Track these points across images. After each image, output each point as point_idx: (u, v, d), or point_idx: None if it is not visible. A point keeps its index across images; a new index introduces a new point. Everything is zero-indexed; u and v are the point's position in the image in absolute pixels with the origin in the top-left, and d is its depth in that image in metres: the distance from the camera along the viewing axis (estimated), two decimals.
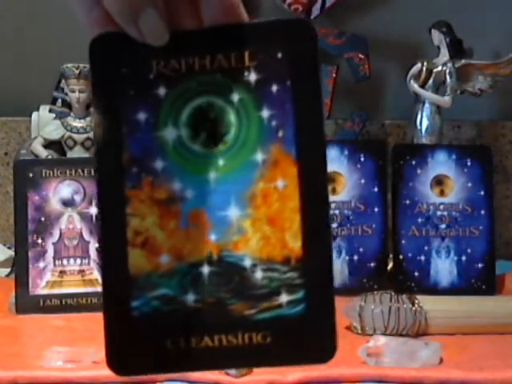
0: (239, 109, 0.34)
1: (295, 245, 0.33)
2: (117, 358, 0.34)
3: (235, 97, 0.33)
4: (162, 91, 0.34)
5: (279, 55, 0.33)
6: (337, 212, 1.04)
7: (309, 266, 0.33)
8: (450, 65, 1.13)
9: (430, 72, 1.13)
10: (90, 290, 0.94)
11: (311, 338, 0.33)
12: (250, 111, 0.33)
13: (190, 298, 0.33)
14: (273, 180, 0.33)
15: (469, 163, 1.03)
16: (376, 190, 1.04)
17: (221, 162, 0.33)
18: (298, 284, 0.33)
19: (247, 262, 0.33)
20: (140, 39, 0.33)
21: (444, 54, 1.14)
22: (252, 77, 0.33)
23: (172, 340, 0.33)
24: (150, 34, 0.33)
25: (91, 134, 1.09)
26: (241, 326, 0.33)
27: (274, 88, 0.33)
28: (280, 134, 0.33)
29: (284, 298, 0.33)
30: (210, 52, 0.34)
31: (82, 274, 0.95)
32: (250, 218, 0.33)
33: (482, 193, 1.03)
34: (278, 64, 0.33)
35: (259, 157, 0.33)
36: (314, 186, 0.33)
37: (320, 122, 0.33)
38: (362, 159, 1.04)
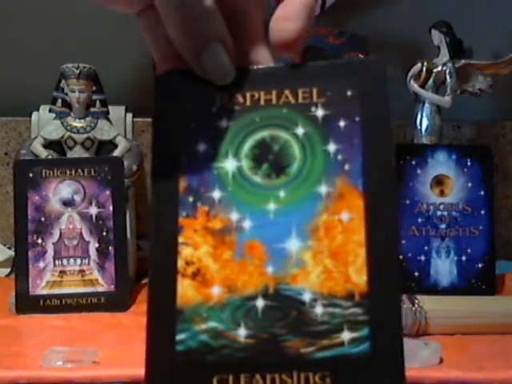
0: (304, 142, 0.33)
1: (359, 280, 0.31)
2: None
3: (300, 131, 0.33)
4: (224, 123, 0.34)
5: (348, 93, 0.33)
6: None
7: (374, 302, 0.31)
8: (450, 65, 1.13)
9: (430, 72, 1.13)
10: (89, 289, 0.94)
11: (376, 380, 0.30)
12: (315, 145, 0.33)
13: (242, 332, 0.31)
14: (337, 212, 0.32)
15: (469, 163, 1.03)
16: None
17: (282, 194, 0.33)
18: (363, 321, 0.31)
19: (306, 296, 0.31)
20: (203, 76, 0.33)
21: (444, 54, 1.14)
22: (319, 112, 0.33)
23: (219, 378, 0.31)
24: (214, 72, 0.33)
25: (91, 134, 1.09)
26: (297, 364, 0.31)
27: (342, 123, 0.33)
28: (346, 167, 0.32)
29: (346, 335, 0.31)
30: (276, 87, 0.34)
31: (82, 274, 0.95)
32: (311, 251, 0.32)
33: (482, 193, 1.03)
34: (347, 101, 0.33)
35: (323, 189, 0.32)
36: (381, 219, 0.31)
37: (389, 157, 0.32)
38: None
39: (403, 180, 1.03)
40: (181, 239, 0.33)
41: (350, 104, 0.33)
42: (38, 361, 0.71)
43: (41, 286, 0.94)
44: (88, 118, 1.10)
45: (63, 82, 1.08)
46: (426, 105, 1.13)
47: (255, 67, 0.34)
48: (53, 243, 0.95)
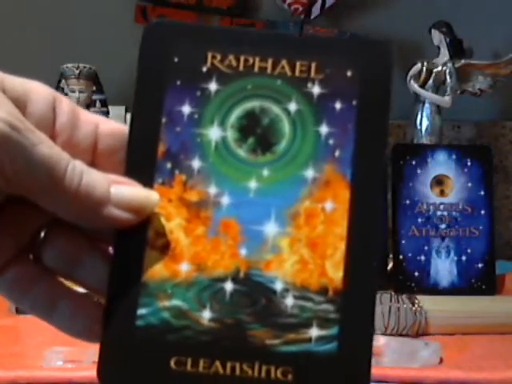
0: (295, 120, 0.31)
1: (335, 275, 0.30)
2: (109, 369, 0.30)
3: (293, 107, 0.31)
4: (212, 86, 0.31)
5: (349, 73, 0.31)
6: None
7: (348, 300, 0.30)
8: (449, 65, 1.13)
9: (430, 72, 1.13)
10: None
11: (339, 382, 0.29)
12: (306, 124, 0.31)
13: (206, 315, 0.29)
14: (321, 200, 0.30)
15: (469, 163, 1.03)
16: None
17: (265, 173, 0.30)
18: (333, 319, 0.29)
19: (278, 286, 0.30)
20: None
21: (444, 54, 1.14)
22: (315, 89, 0.31)
23: (177, 359, 0.29)
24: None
25: None
26: (259, 355, 0.29)
27: (338, 105, 0.31)
28: (336, 153, 0.30)
29: (314, 331, 0.29)
30: (273, 55, 0.31)
31: None
32: (289, 237, 0.30)
33: (482, 193, 1.03)
34: (347, 82, 0.31)
35: (309, 173, 0.30)
36: (366, 213, 0.30)
37: (382, 148, 0.30)
38: None
39: (403, 180, 1.03)
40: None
41: (349, 85, 0.31)
42: (38, 361, 0.71)
43: None
44: None
45: (63, 81, 1.08)
46: (426, 105, 1.13)
47: (253, 30, 0.32)
48: None
